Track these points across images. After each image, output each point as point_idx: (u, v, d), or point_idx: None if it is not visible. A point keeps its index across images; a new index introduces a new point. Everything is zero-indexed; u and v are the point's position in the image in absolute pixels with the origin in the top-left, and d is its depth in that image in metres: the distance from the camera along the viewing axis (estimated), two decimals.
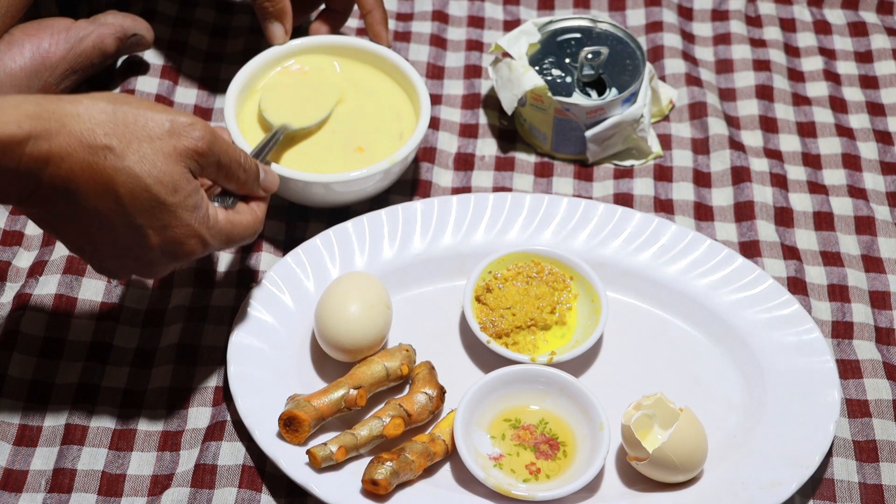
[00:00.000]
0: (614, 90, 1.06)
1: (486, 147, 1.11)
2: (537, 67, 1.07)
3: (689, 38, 1.20)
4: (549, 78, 1.07)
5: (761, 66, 1.17)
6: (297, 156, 1.01)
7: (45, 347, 0.95)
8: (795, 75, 1.18)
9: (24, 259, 1.01)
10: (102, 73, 1.12)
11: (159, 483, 0.89)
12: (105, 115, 0.75)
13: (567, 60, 1.08)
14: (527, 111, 1.08)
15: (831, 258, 1.03)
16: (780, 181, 1.08)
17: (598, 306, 0.95)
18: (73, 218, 0.77)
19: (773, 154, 1.11)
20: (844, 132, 1.13)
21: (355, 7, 1.10)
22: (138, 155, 0.75)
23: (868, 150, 1.11)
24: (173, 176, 0.77)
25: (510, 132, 1.12)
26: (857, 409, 0.93)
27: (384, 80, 1.06)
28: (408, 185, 1.07)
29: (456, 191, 1.07)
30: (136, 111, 0.77)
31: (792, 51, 1.20)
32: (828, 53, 1.20)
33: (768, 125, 1.13)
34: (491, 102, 1.14)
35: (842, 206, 1.07)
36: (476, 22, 1.21)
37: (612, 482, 0.89)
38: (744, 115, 1.14)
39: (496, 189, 1.07)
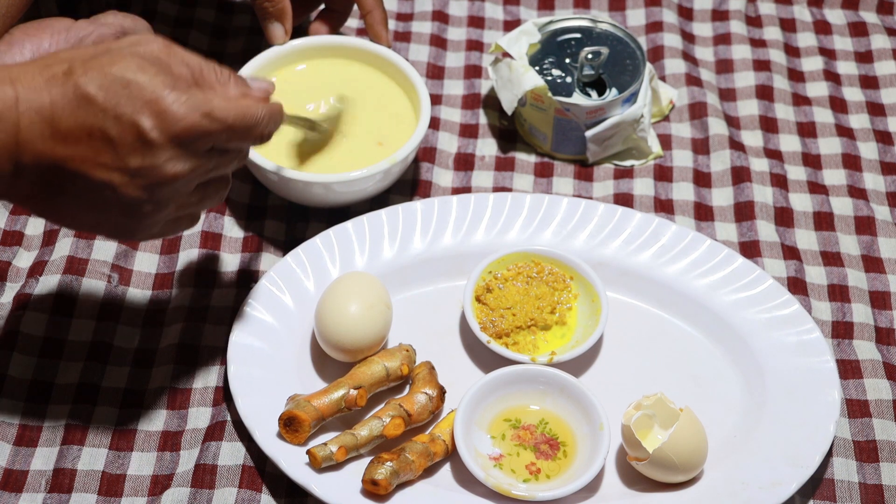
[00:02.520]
0: (614, 90, 1.06)
1: (486, 147, 1.11)
2: (537, 67, 1.07)
3: (689, 38, 1.20)
4: (549, 78, 1.07)
5: (761, 66, 1.17)
6: (300, 157, 1.01)
7: (45, 347, 0.95)
8: (795, 75, 1.18)
9: (24, 259, 1.01)
10: None
11: (159, 483, 0.89)
12: (56, 50, 0.77)
13: (567, 60, 1.08)
14: (527, 111, 1.08)
15: (831, 258, 1.03)
16: (780, 181, 1.08)
17: (598, 306, 0.95)
18: (67, 157, 0.74)
19: (773, 154, 1.10)
20: (844, 132, 1.13)
21: (355, 7, 1.10)
22: (98, 65, 0.74)
23: (868, 150, 1.11)
24: (138, 63, 0.74)
25: (510, 132, 1.12)
26: (857, 409, 0.93)
27: (384, 80, 1.06)
28: (408, 185, 1.07)
29: (456, 191, 1.07)
30: (86, 46, 0.78)
31: (792, 51, 1.20)
32: (828, 53, 1.20)
33: (768, 125, 1.13)
34: (491, 102, 1.14)
35: (842, 206, 1.07)
36: (476, 22, 1.21)
37: (612, 482, 0.89)
38: (744, 115, 1.14)
39: (496, 189, 1.07)
